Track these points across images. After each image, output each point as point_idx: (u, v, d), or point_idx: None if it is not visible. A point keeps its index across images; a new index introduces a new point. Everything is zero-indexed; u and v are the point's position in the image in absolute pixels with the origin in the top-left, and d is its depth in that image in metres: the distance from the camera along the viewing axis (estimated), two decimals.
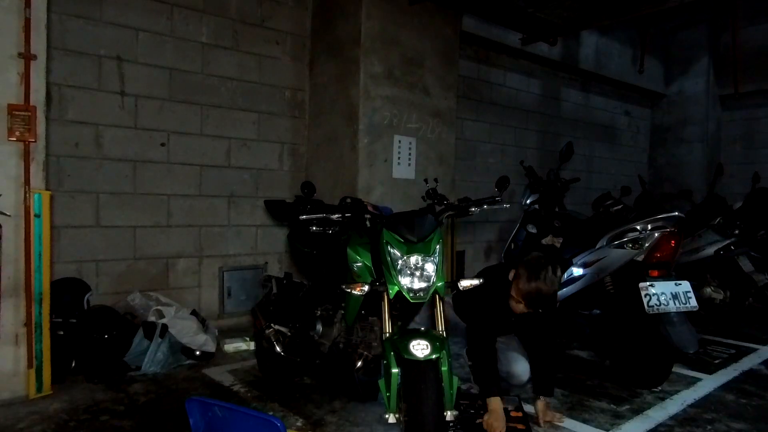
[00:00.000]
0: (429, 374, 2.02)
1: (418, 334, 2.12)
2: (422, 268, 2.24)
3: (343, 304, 2.77)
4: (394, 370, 2.04)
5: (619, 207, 4.18)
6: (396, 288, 2.22)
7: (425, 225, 2.35)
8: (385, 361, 2.13)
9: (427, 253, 2.26)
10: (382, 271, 2.33)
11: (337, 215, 2.52)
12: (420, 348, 2.03)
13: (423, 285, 2.23)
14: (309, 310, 3.03)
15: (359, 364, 2.57)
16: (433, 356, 2.02)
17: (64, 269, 3.74)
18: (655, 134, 8.71)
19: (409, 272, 2.24)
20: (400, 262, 2.24)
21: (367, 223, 2.59)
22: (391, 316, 2.31)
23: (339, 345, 2.77)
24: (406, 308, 2.64)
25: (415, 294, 2.22)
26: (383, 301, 2.29)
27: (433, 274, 2.25)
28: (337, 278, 2.82)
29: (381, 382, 2.13)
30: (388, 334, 2.23)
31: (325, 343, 2.85)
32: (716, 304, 4.90)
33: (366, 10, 4.37)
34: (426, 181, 3.23)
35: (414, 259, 2.24)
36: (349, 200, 2.70)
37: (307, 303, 3.08)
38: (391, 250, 2.26)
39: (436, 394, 2.00)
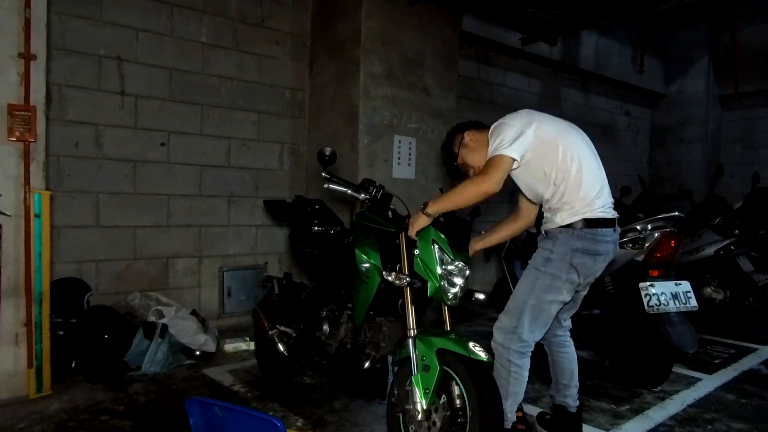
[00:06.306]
0: (491, 373, 2.13)
1: (455, 334, 2.20)
2: (461, 274, 2.28)
3: (350, 305, 2.76)
4: (437, 368, 2.09)
5: None
6: (436, 286, 2.25)
7: (463, 237, 2.41)
8: (422, 357, 2.15)
9: (465, 261, 2.31)
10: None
11: (364, 195, 2.46)
12: (479, 349, 2.08)
13: (456, 290, 2.28)
14: (314, 310, 3.02)
15: (367, 364, 2.57)
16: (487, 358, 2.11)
17: (64, 269, 3.74)
18: (655, 134, 8.70)
19: (447, 274, 2.27)
20: (445, 263, 2.27)
21: (389, 213, 2.56)
22: (413, 313, 2.31)
23: (347, 345, 2.77)
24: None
25: (453, 296, 2.28)
26: (406, 298, 2.29)
27: (464, 281, 2.29)
28: (340, 279, 2.82)
29: (416, 379, 2.14)
30: (414, 331, 2.24)
31: (332, 344, 2.84)
32: (716, 304, 4.90)
33: (366, 10, 4.37)
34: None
35: (459, 263, 2.28)
36: (378, 185, 2.59)
37: (312, 304, 3.07)
38: (437, 249, 2.28)
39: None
